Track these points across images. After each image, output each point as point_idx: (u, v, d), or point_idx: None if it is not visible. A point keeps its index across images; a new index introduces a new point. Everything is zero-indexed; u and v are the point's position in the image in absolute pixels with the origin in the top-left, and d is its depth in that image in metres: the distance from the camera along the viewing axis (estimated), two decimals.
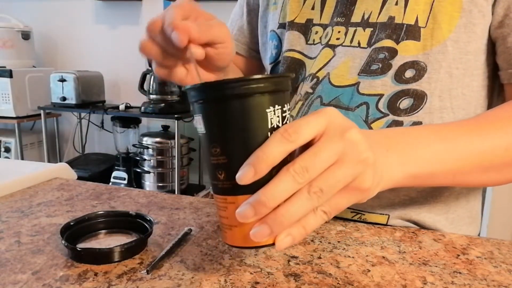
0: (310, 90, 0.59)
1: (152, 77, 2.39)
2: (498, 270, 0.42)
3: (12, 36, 2.63)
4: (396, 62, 0.53)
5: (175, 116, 2.27)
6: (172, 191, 2.44)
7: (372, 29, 0.56)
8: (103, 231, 0.47)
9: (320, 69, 0.59)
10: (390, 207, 0.57)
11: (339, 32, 0.59)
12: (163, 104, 2.35)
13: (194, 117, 0.34)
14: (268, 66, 0.70)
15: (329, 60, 0.58)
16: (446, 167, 0.44)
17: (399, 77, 0.53)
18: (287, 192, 0.31)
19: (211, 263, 0.42)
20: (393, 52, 0.54)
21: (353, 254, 0.44)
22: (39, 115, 2.63)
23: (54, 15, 2.97)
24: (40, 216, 0.53)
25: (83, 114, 2.83)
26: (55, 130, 2.97)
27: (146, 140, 2.44)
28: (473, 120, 0.47)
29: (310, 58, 0.62)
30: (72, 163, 2.42)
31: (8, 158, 2.69)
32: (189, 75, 0.49)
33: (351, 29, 0.57)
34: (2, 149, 2.72)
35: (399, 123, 0.54)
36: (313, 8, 0.62)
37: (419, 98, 0.53)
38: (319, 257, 0.43)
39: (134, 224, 0.47)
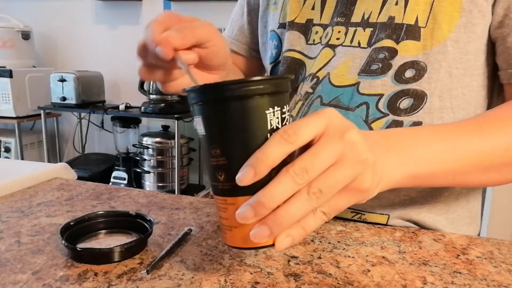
0: (310, 90, 0.59)
1: None
2: (498, 270, 0.42)
3: (12, 36, 2.64)
4: (396, 62, 0.53)
5: (175, 116, 2.27)
6: (172, 191, 2.44)
7: (372, 29, 0.56)
8: (103, 231, 0.47)
9: (320, 69, 0.59)
10: (390, 207, 0.57)
11: (339, 32, 0.59)
12: (163, 104, 2.35)
13: (194, 118, 0.34)
14: (268, 66, 0.70)
15: (329, 60, 0.58)
16: (446, 167, 0.44)
17: (399, 77, 0.53)
18: (287, 193, 0.31)
19: (211, 263, 0.42)
20: (393, 52, 0.54)
21: (353, 254, 0.44)
22: (39, 115, 2.63)
23: (54, 15, 2.98)
24: (40, 216, 0.53)
25: (83, 114, 2.83)
26: (55, 130, 2.97)
27: (146, 140, 2.44)
28: (473, 120, 0.47)
29: (310, 58, 0.62)
30: (72, 163, 2.42)
31: (8, 158, 2.69)
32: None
33: (351, 29, 0.58)
34: (2, 149, 2.72)
35: (399, 123, 0.54)
36: (313, 8, 0.62)
37: (419, 98, 0.53)
38: (319, 257, 0.43)
39: (134, 224, 0.47)
